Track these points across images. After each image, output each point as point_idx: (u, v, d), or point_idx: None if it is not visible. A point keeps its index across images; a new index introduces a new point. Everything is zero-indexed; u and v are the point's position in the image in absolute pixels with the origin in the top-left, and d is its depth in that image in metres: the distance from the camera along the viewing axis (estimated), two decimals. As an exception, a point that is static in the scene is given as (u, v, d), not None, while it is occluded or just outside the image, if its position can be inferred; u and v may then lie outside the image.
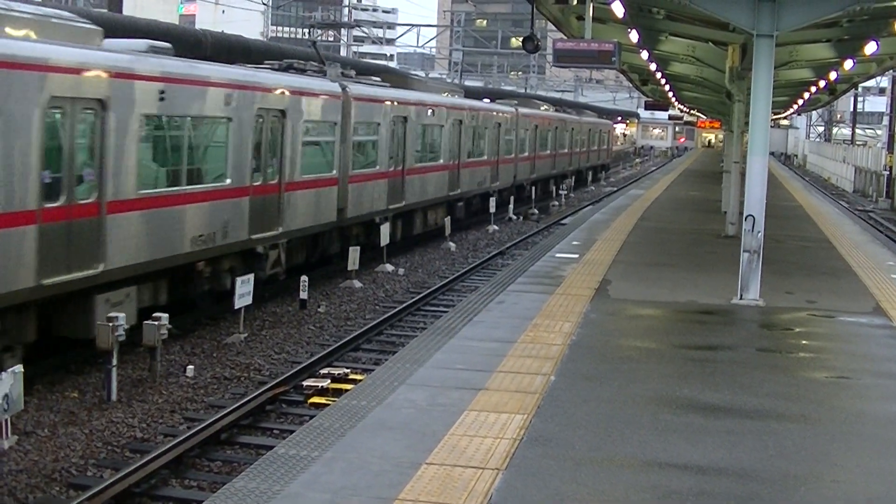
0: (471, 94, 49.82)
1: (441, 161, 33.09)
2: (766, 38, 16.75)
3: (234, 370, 16.47)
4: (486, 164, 39.56)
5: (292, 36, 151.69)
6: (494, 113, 41.31)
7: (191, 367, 16.25)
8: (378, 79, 29.14)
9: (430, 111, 30.87)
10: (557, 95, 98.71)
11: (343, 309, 21.63)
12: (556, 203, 49.77)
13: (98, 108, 15.42)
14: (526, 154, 47.13)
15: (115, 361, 14.44)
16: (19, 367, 12.27)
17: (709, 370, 12.27)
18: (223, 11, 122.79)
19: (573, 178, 60.38)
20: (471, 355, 12.42)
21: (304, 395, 15.02)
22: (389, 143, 27.81)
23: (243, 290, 17.98)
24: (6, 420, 12.20)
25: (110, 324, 14.31)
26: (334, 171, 24.27)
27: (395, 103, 28.29)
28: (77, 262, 14.90)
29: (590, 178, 66.51)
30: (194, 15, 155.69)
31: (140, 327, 15.49)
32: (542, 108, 53.54)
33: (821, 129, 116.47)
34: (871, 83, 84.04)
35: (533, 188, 47.38)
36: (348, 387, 13.61)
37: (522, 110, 46.54)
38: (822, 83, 35.81)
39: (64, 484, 11.57)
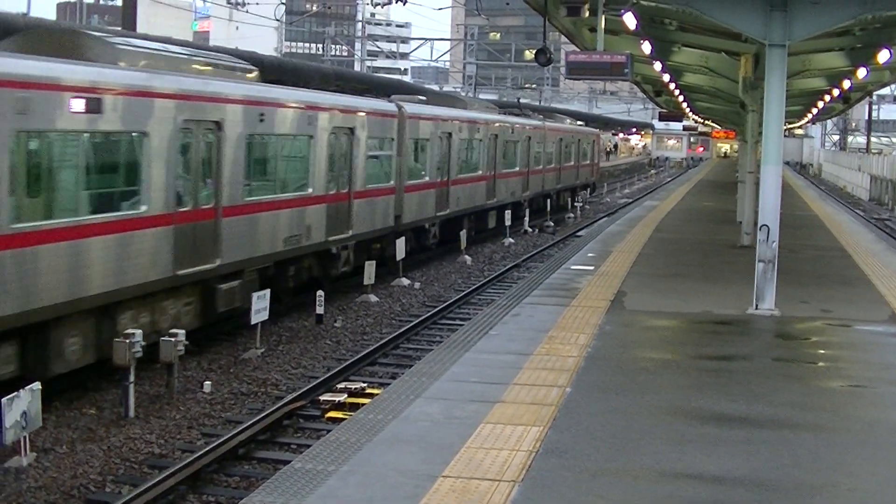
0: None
1: (148, 208, 16.36)
2: (778, 47, 16.77)
3: (251, 385, 16.52)
4: (315, 200, 22.19)
5: (306, 51, 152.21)
6: (334, 112, 23.44)
7: (208, 382, 16.30)
8: None
9: (118, 103, 15.54)
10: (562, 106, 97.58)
11: (359, 323, 21.67)
12: (572, 215, 49.78)
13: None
14: (427, 179, 30.49)
15: (132, 378, 14.51)
16: (37, 385, 12.34)
17: (724, 380, 12.27)
18: (237, 28, 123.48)
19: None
20: (486, 368, 12.44)
21: (321, 410, 15.06)
22: None
23: (259, 305, 18.03)
24: (25, 437, 12.27)
25: (127, 341, 14.38)
26: None
27: None
28: None
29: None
30: (208, 31, 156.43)
31: (156, 343, 15.55)
32: (469, 108, 37.09)
33: (836, 137, 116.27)
34: (885, 91, 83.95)
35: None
36: (365, 401, 13.64)
37: (415, 109, 29.87)
38: (835, 92, 35.77)
39: (82, 500, 11.63)
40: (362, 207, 25.12)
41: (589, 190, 61.41)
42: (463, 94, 64.19)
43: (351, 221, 24.33)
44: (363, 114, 25.37)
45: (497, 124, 38.75)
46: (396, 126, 27.95)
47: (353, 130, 24.48)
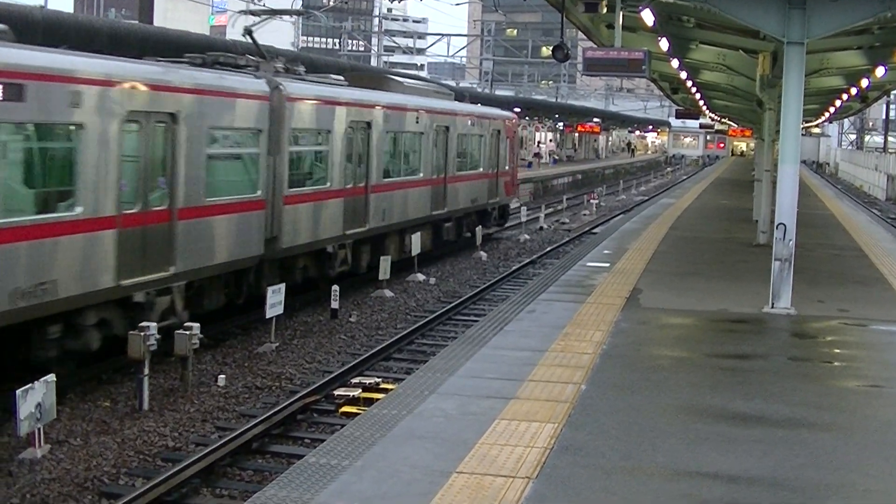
0: None
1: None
2: (796, 45, 16.69)
3: (266, 379, 16.52)
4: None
5: (323, 46, 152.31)
6: None
7: (222, 376, 16.31)
8: None
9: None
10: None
11: (374, 318, 21.66)
12: (587, 212, 49.69)
13: None
14: None
15: (146, 371, 14.51)
16: (52, 377, 12.35)
17: (740, 379, 12.22)
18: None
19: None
20: (501, 364, 12.42)
21: (335, 405, 15.05)
22: None
23: (274, 299, 18.03)
24: (39, 429, 12.29)
25: (142, 334, 14.39)
26: None
27: None
28: None
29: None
30: (225, 26, 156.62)
31: (171, 336, 15.56)
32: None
33: (853, 136, 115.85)
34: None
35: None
36: (379, 396, 13.64)
37: None
38: (853, 91, 35.58)
39: (96, 492, 11.63)
40: None
41: (495, 217, 36.40)
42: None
43: None
44: None
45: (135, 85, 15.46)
46: None
47: None
